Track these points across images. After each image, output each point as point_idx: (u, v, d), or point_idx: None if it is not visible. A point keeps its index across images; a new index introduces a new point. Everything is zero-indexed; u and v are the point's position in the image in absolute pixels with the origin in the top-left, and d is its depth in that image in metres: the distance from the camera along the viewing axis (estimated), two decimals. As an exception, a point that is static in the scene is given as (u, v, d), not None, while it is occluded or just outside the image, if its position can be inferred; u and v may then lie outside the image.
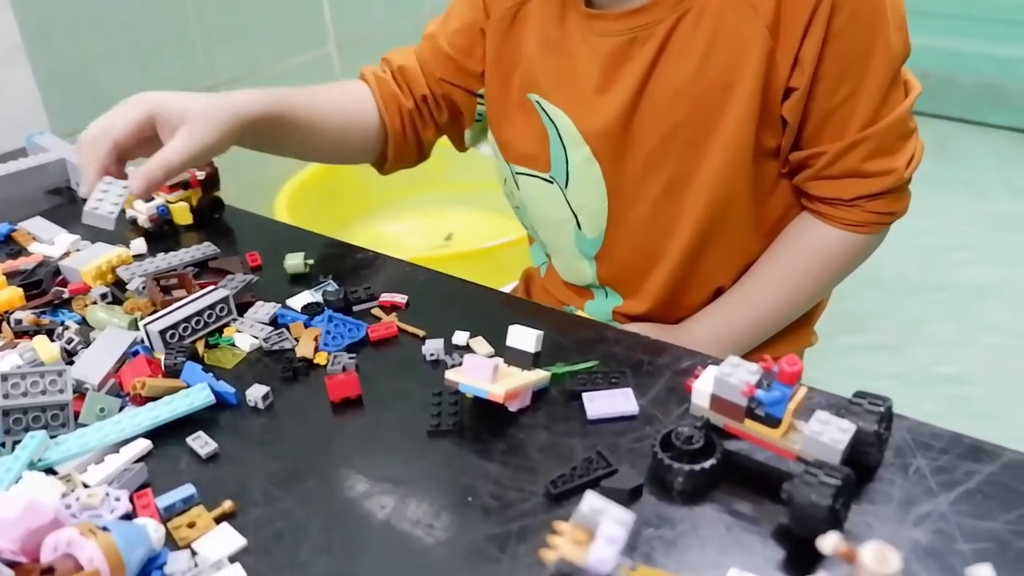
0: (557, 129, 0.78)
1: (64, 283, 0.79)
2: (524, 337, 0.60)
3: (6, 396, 0.54)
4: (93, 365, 0.62)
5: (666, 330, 0.81)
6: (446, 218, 1.87)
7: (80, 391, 0.60)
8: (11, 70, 1.25)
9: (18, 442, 0.55)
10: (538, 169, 0.82)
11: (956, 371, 1.56)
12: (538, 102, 0.79)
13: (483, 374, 0.55)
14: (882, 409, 0.50)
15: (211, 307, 0.68)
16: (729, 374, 0.50)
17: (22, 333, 0.71)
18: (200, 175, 0.90)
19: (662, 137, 0.73)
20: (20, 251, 0.87)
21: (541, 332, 0.61)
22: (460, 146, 0.95)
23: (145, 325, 0.65)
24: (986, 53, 2.45)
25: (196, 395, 0.59)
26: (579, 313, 0.84)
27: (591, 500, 0.38)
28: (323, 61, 1.75)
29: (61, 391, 0.56)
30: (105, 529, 0.44)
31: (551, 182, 0.81)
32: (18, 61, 1.26)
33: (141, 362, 0.62)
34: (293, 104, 0.79)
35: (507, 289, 1.11)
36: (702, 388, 0.52)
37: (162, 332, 0.64)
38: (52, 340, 0.67)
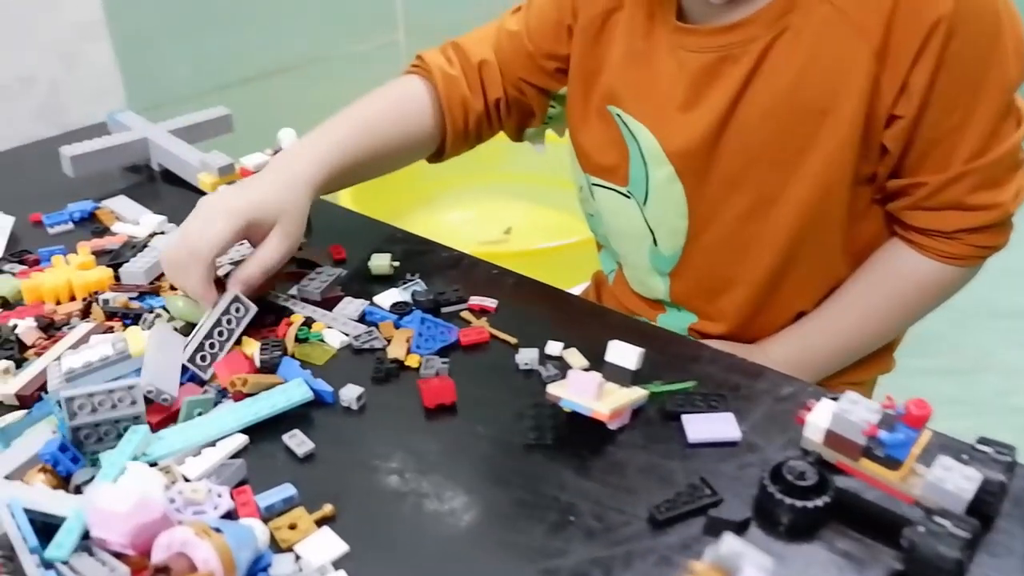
0: (639, 145, 0.76)
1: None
2: (625, 353, 0.59)
3: (73, 416, 0.54)
4: (160, 374, 0.59)
5: (741, 350, 0.78)
6: (504, 211, 1.86)
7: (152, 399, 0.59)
8: (92, 44, 1.26)
9: (95, 456, 0.54)
10: (616, 183, 0.80)
11: (1030, 400, 1.53)
12: (619, 115, 0.77)
13: (588, 390, 0.54)
14: (1009, 459, 0.48)
15: (226, 312, 0.65)
16: (849, 411, 0.48)
17: (111, 315, 0.71)
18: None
19: (749, 158, 0.71)
20: (104, 230, 0.88)
21: (642, 350, 0.60)
22: (516, 138, 0.93)
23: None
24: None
25: (294, 391, 0.59)
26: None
27: (730, 543, 0.37)
28: (390, 48, 1.74)
29: (133, 403, 0.55)
30: (218, 530, 0.44)
31: (628, 197, 0.79)
32: (99, 35, 1.27)
33: (237, 356, 0.62)
34: (355, 152, 0.78)
35: (575, 292, 1.10)
36: (816, 422, 0.50)
37: (191, 359, 0.62)
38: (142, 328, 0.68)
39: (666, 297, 0.83)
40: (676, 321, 0.84)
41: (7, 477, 0.52)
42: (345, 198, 1.63)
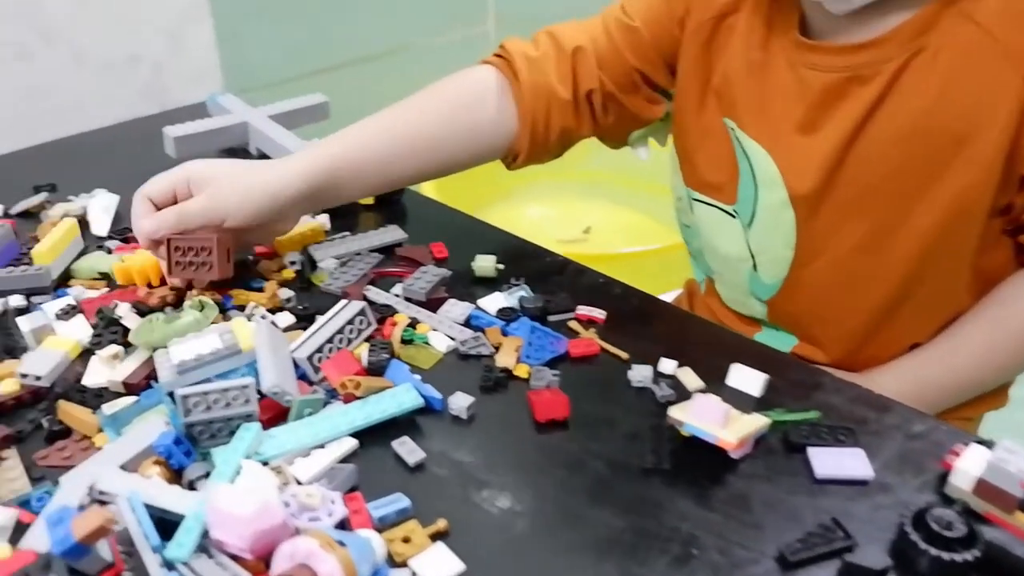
0: (751, 164, 0.72)
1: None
2: (748, 379, 0.57)
3: (188, 413, 0.53)
4: (281, 374, 0.58)
5: (849, 378, 0.74)
6: (584, 209, 1.84)
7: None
8: (195, 26, 1.27)
9: (206, 451, 0.54)
10: (721, 200, 0.76)
11: None
12: (733, 130, 0.73)
13: (713, 417, 0.52)
14: None
15: (350, 322, 0.64)
16: (1006, 461, 0.45)
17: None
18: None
19: (870, 186, 0.67)
20: (206, 214, 0.88)
21: (767, 376, 0.57)
22: (613, 141, 0.87)
23: (292, 352, 0.62)
24: None
25: (404, 396, 0.57)
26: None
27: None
28: (481, 39, 1.73)
29: (247, 402, 0.54)
30: (340, 543, 0.43)
31: (733, 216, 0.75)
32: (202, 17, 1.28)
33: (346, 356, 0.61)
34: (382, 154, 0.74)
35: (664, 298, 1.07)
36: (966, 469, 0.47)
37: (309, 358, 0.61)
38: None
39: (764, 318, 0.79)
40: (775, 341, 0.80)
41: (122, 467, 0.52)
42: (427, 188, 1.62)
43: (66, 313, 0.70)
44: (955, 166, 0.64)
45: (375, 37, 1.63)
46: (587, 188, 1.86)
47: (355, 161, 0.73)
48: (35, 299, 0.73)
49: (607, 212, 1.83)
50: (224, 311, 0.70)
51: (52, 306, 0.70)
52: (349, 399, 0.58)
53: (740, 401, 0.58)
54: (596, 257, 1.46)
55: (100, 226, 0.86)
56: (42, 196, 0.91)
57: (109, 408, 0.58)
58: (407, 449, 0.55)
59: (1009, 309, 0.71)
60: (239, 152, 1.02)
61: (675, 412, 0.54)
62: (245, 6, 1.37)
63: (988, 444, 0.48)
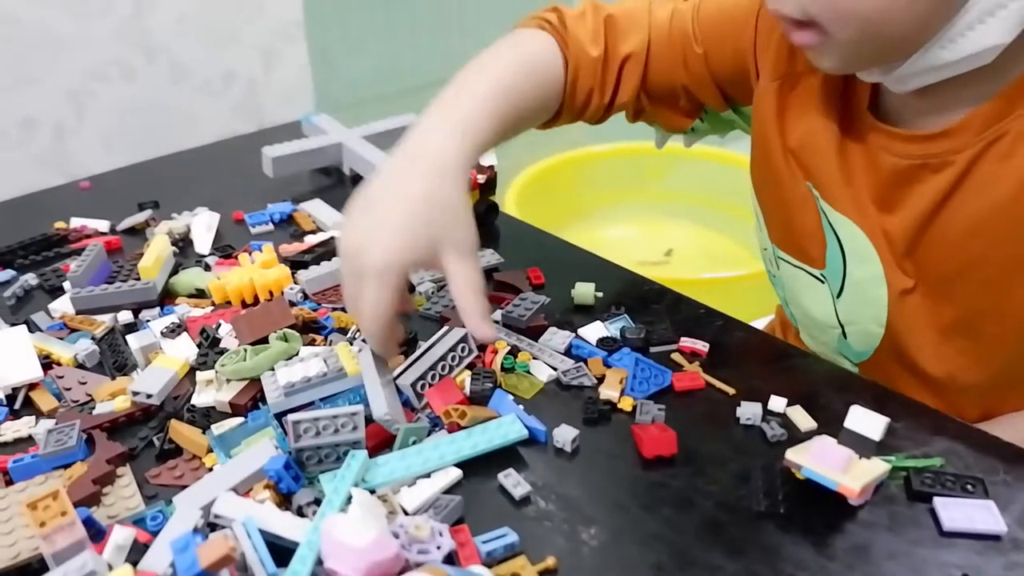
0: (838, 237, 0.67)
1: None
2: (868, 422, 0.54)
3: (298, 439, 0.53)
4: (391, 401, 0.58)
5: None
6: (666, 230, 1.81)
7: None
8: (289, 45, 1.30)
9: (312, 477, 0.54)
10: (808, 263, 0.71)
11: None
12: (818, 199, 0.68)
13: (836, 462, 0.50)
14: None
15: (452, 349, 0.63)
16: None
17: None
18: (481, 178, 0.89)
19: (952, 272, 0.63)
20: (303, 233, 0.90)
21: (887, 420, 0.54)
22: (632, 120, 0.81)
23: (395, 379, 0.61)
24: None
25: (509, 427, 0.57)
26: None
27: None
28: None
29: (355, 428, 0.54)
30: (456, 580, 0.42)
31: (822, 281, 0.70)
32: (296, 37, 1.31)
33: (449, 384, 0.60)
34: (500, 120, 0.67)
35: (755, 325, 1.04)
36: (1117, 532, 0.44)
37: (413, 385, 0.61)
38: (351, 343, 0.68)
39: (856, 374, 0.74)
40: None
41: (233, 489, 0.52)
42: (509, 207, 1.62)
43: (172, 331, 0.71)
44: None
45: (463, 55, 1.63)
46: (669, 208, 1.84)
47: (486, 139, 0.66)
48: (142, 315, 0.75)
49: (689, 234, 1.80)
50: (325, 334, 0.70)
51: (158, 324, 0.72)
52: (453, 428, 0.57)
53: (858, 444, 0.55)
54: (679, 282, 1.43)
55: (202, 244, 0.88)
56: (147, 213, 0.93)
57: (218, 429, 0.59)
58: (512, 482, 0.54)
59: None
60: (333, 172, 1.03)
61: (793, 455, 0.52)
62: (337, 26, 1.40)
63: None
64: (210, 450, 0.58)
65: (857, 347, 0.71)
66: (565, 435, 0.58)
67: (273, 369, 0.62)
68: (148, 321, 0.73)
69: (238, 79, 1.26)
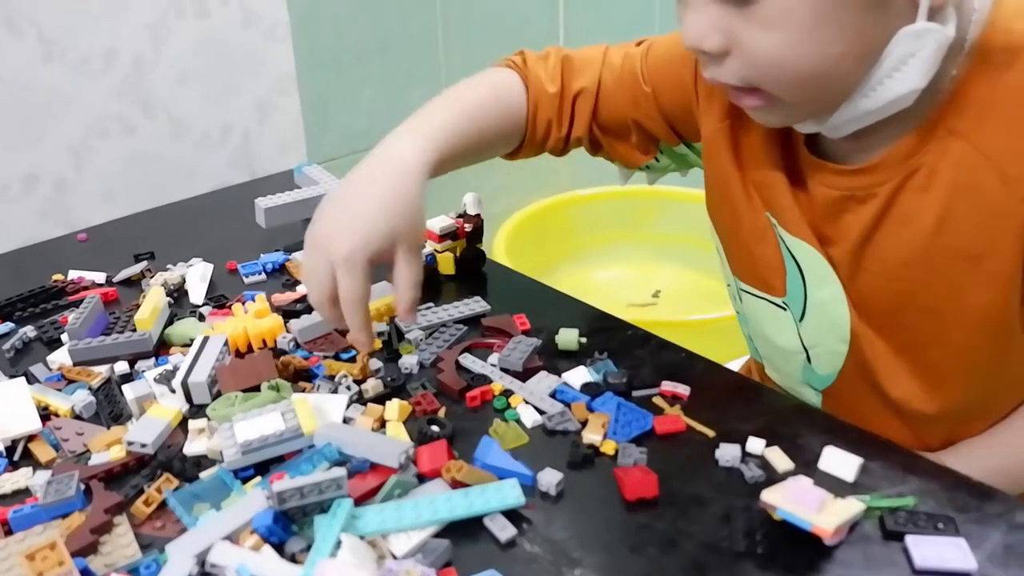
0: (797, 262, 0.70)
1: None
2: (842, 462, 0.56)
3: (283, 503, 0.55)
4: (377, 450, 0.60)
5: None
6: (654, 272, 1.84)
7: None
8: (283, 99, 1.34)
9: (303, 524, 0.56)
10: (769, 293, 0.74)
11: None
12: (775, 227, 0.71)
13: (809, 502, 0.52)
14: None
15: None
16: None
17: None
18: (468, 227, 0.92)
19: (894, 301, 0.66)
20: (295, 282, 0.92)
21: (861, 460, 0.56)
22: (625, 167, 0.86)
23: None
24: None
25: (508, 492, 0.57)
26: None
27: None
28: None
29: (339, 488, 0.56)
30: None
31: (784, 309, 0.73)
32: (290, 90, 1.34)
33: (442, 446, 0.62)
34: (461, 138, 0.75)
35: (731, 367, 1.05)
36: (1078, 567, 0.46)
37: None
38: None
39: (818, 406, 0.76)
40: None
41: (226, 538, 0.54)
42: (499, 250, 1.65)
43: (165, 379, 0.73)
44: (976, 283, 0.62)
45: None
46: (657, 250, 1.87)
47: (454, 151, 0.74)
48: (138, 366, 0.77)
49: (677, 275, 1.83)
50: (315, 382, 0.72)
51: (152, 374, 0.74)
52: (455, 485, 0.59)
53: (832, 485, 0.57)
54: (666, 324, 1.46)
55: (197, 294, 0.90)
56: (142, 265, 0.95)
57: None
58: (498, 525, 0.56)
59: None
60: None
61: (768, 496, 0.53)
62: (329, 80, 1.43)
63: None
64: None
65: (822, 371, 0.74)
66: (550, 479, 0.59)
67: (231, 421, 0.63)
68: (143, 372, 0.75)
69: (233, 131, 1.29)
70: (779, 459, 0.61)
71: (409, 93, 1.53)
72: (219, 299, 0.89)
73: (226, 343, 0.74)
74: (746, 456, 0.62)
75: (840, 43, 0.56)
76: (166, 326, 0.82)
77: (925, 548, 0.53)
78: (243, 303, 0.85)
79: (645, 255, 1.87)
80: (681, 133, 0.80)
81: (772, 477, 0.60)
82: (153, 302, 0.81)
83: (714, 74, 0.61)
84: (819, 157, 0.68)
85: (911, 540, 0.53)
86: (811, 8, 0.54)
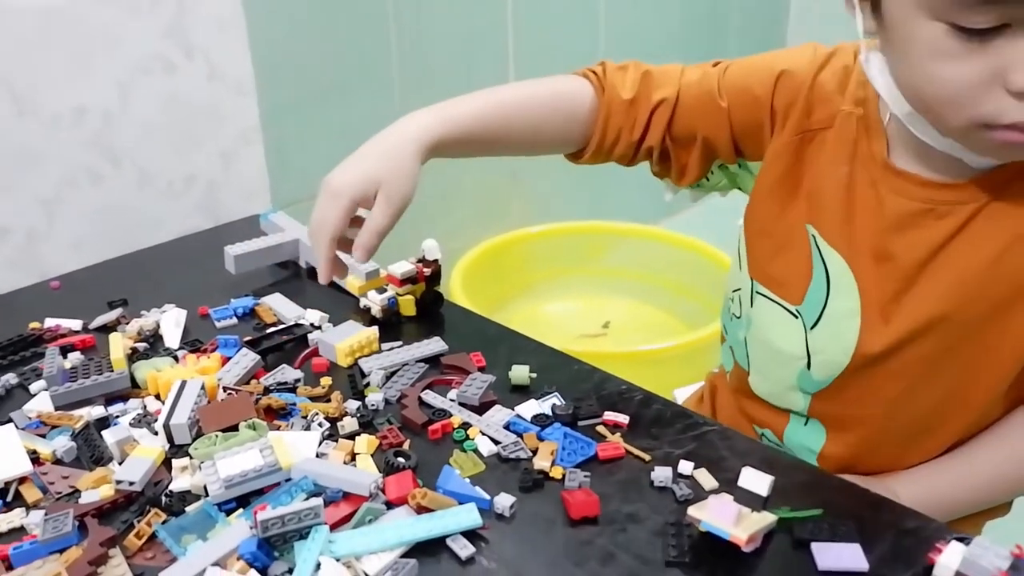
0: (827, 271, 0.76)
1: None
2: (757, 480, 0.65)
3: (266, 531, 0.61)
4: (349, 481, 0.67)
5: (864, 482, 0.77)
6: (605, 304, 1.93)
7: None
8: (247, 148, 1.40)
9: (284, 550, 0.62)
10: (785, 299, 0.80)
11: None
12: (815, 237, 0.77)
13: (727, 516, 0.60)
14: None
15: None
16: (980, 556, 0.53)
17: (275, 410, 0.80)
18: (427, 271, 0.99)
19: (933, 316, 0.72)
20: (265, 325, 0.98)
21: (772, 478, 0.65)
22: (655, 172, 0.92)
23: None
24: None
25: (465, 516, 0.64)
26: (781, 446, 0.86)
27: None
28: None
29: (316, 516, 0.62)
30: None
31: (796, 316, 0.79)
32: (254, 140, 1.40)
33: (407, 476, 0.69)
34: (477, 128, 0.84)
35: (683, 391, 1.14)
36: (947, 564, 0.55)
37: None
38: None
39: (802, 411, 0.83)
40: (804, 434, 0.84)
41: (215, 564, 0.60)
42: (456, 285, 1.72)
43: (139, 422, 0.78)
44: (1014, 316, 0.69)
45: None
46: (608, 284, 1.96)
47: (466, 135, 0.84)
48: (112, 409, 0.81)
49: (627, 308, 1.92)
50: (290, 421, 0.78)
51: (127, 419, 0.79)
52: (420, 510, 0.66)
53: (750, 500, 0.65)
54: (614, 355, 1.55)
55: (172, 339, 0.95)
56: (117, 312, 1.00)
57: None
58: (459, 545, 0.63)
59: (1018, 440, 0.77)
60: (290, 266, 1.12)
61: (693, 511, 0.61)
62: (292, 128, 1.50)
63: (965, 540, 0.56)
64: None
65: (818, 376, 0.80)
66: (504, 502, 0.67)
67: (213, 459, 0.69)
68: (118, 417, 0.80)
69: (199, 180, 1.35)
70: (706, 479, 0.70)
71: (367, 134, 1.61)
72: (194, 343, 0.94)
73: (203, 387, 0.80)
74: (677, 477, 0.70)
75: None
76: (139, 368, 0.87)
77: (826, 553, 0.61)
78: (216, 348, 0.91)
79: (595, 288, 1.96)
80: (744, 150, 0.85)
81: (699, 495, 0.68)
82: (118, 348, 0.86)
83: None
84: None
85: (815, 547, 0.62)
86: None
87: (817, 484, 0.69)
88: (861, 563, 0.60)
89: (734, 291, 0.89)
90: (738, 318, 0.89)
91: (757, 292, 0.84)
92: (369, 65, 1.59)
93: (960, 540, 0.57)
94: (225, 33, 1.32)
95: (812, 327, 0.79)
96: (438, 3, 1.65)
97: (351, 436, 0.76)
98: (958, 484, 0.79)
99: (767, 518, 0.63)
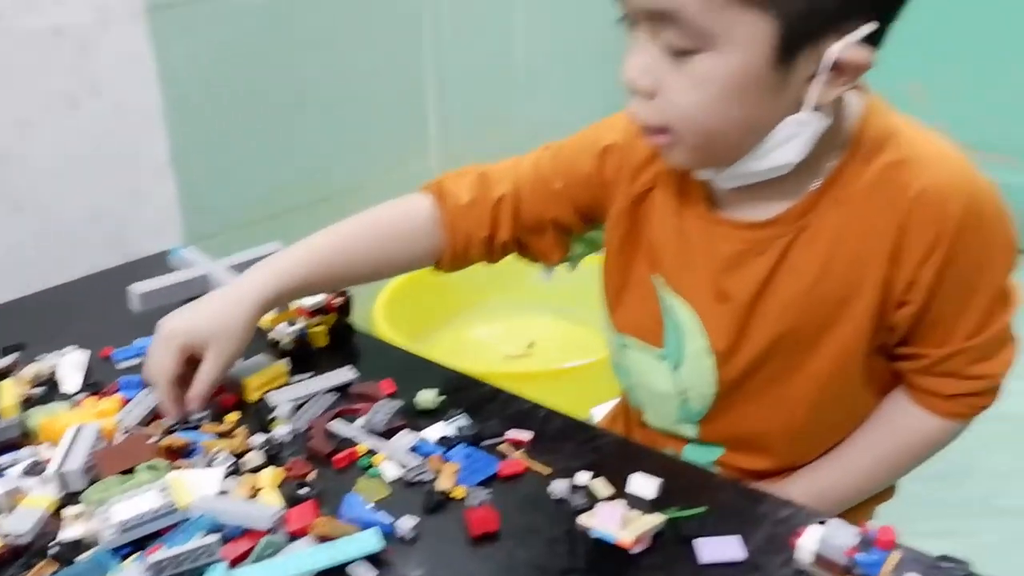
0: (675, 315, 0.83)
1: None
2: (644, 485, 0.68)
3: (160, 571, 0.62)
4: (248, 516, 0.68)
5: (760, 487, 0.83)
6: (529, 325, 1.96)
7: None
8: (157, 184, 1.40)
9: None
10: (651, 343, 0.86)
11: (1013, 504, 1.59)
12: (661, 286, 0.83)
13: (613, 521, 0.63)
14: (963, 573, 0.56)
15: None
16: (833, 536, 0.58)
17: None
18: (336, 301, 1.01)
19: (773, 339, 0.79)
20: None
21: (660, 480, 0.68)
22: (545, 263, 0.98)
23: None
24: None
25: (367, 541, 0.66)
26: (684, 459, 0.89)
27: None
28: (424, 175, 1.87)
29: (211, 555, 0.63)
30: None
31: (663, 359, 0.85)
32: (164, 176, 1.40)
33: (309, 506, 0.70)
34: (322, 268, 0.89)
35: (600, 409, 1.18)
36: (806, 545, 0.59)
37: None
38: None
39: (695, 437, 0.88)
40: (702, 453, 0.89)
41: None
42: (378, 312, 1.73)
43: (30, 471, 0.77)
44: (839, 323, 0.76)
45: (327, 179, 1.77)
46: (532, 304, 1.99)
47: (305, 282, 0.89)
48: (2, 459, 0.79)
49: (551, 326, 1.96)
50: (193, 460, 0.78)
51: (16, 470, 0.77)
52: (323, 539, 0.67)
53: (641, 504, 0.69)
54: (538, 374, 1.58)
55: (71, 383, 0.93)
56: (12, 357, 0.97)
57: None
58: (363, 570, 0.65)
59: (891, 428, 0.84)
60: (202, 302, 1.12)
61: (583, 519, 0.65)
62: (205, 162, 1.49)
63: (823, 523, 0.61)
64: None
65: (696, 408, 0.86)
66: (406, 524, 0.69)
67: (108, 504, 0.69)
68: (7, 468, 0.78)
69: (107, 217, 1.33)
70: (602, 487, 0.73)
71: (282, 167, 1.61)
72: (95, 386, 0.91)
73: (99, 431, 0.79)
74: (574, 488, 0.73)
75: (740, 114, 0.69)
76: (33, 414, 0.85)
77: (709, 546, 0.65)
78: (119, 390, 0.89)
79: (519, 310, 1.99)
80: (591, 219, 0.91)
81: (594, 504, 0.71)
82: (9, 396, 0.85)
83: (638, 110, 0.73)
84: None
85: (697, 542, 0.66)
86: (725, 82, 0.67)
87: (704, 484, 0.73)
88: (740, 553, 0.64)
89: (609, 341, 0.94)
90: (620, 367, 0.94)
91: (624, 344, 0.90)
92: (282, 98, 1.60)
93: (821, 523, 0.61)
94: (132, 68, 1.32)
95: (676, 368, 0.85)
96: (352, 35, 1.68)
97: (256, 470, 0.77)
98: (846, 475, 0.85)
99: (654, 519, 0.66)
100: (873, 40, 0.67)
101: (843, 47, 0.66)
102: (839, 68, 0.67)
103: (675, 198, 0.83)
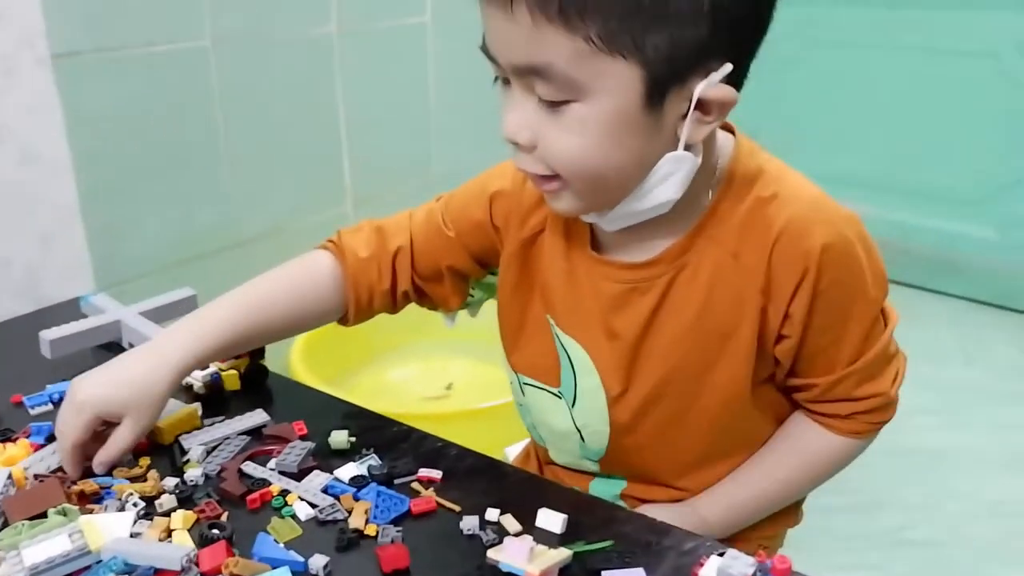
0: (568, 355, 0.86)
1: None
2: (551, 520, 0.71)
3: None
4: (160, 557, 0.68)
5: (675, 511, 0.88)
6: (447, 366, 1.98)
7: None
8: (66, 230, 1.38)
9: None
10: (547, 383, 0.89)
11: (923, 536, 1.66)
12: (553, 326, 0.87)
13: (521, 554, 0.65)
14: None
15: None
16: (730, 566, 0.61)
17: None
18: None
19: (662, 377, 0.82)
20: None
21: (566, 516, 0.71)
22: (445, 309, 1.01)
23: None
24: (938, 228, 2.66)
25: None
26: (591, 493, 0.93)
27: None
28: (340, 220, 1.90)
29: None
30: None
31: (559, 397, 0.89)
32: (73, 222, 1.38)
33: (221, 546, 0.70)
34: (235, 331, 0.89)
35: (514, 448, 1.20)
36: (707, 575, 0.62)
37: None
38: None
39: (598, 472, 0.92)
40: (606, 486, 0.93)
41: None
42: (296, 357, 1.73)
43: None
44: (724, 356, 0.80)
45: (242, 224, 1.76)
46: (450, 346, 2.01)
47: (225, 344, 0.89)
48: None
49: (469, 368, 1.98)
50: (104, 504, 0.78)
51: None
52: None
53: (549, 538, 0.71)
54: (455, 414, 1.59)
55: (-21, 431, 0.92)
56: None
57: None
58: (275, 609, 0.65)
59: (796, 447, 0.89)
60: (114, 348, 1.11)
61: (492, 554, 0.67)
62: (114, 208, 1.48)
63: (721, 553, 0.64)
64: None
65: (594, 446, 0.89)
66: (318, 562, 0.70)
67: (17, 548, 0.68)
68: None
69: (15, 264, 1.31)
70: (511, 523, 0.75)
71: (195, 213, 1.61)
72: (5, 433, 0.91)
73: (9, 476, 0.78)
74: (485, 524, 0.75)
75: (619, 155, 0.71)
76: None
77: (614, 579, 0.68)
78: (28, 436, 0.89)
79: (438, 351, 2.01)
80: (485, 264, 0.95)
81: (503, 539, 0.73)
82: None
83: (522, 163, 0.76)
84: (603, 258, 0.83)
85: (604, 575, 0.68)
86: (602, 127, 0.70)
87: (611, 519, 0.76)
88: (643, 585, 0.67)
89: (511, 382, 0.98)
90: (521, 406, 0.98)
91: (524, 384, 0.94)
92: (194, 145, 1.60)
93: (720, 555, 0.65)
94: (38, 115, 1.31)
95: (572, 406, 0.89)
96: (265, 82, 1.69)
97: (168, 513, 0.76)
98: (752, 493, 0.89)
99: (561, 553, 0.69)
100: (734, 79, 0.71)
101: (705, 87, 0.69)
102: (705, 107, 0.71)
103: (563, 240, 0.87)
